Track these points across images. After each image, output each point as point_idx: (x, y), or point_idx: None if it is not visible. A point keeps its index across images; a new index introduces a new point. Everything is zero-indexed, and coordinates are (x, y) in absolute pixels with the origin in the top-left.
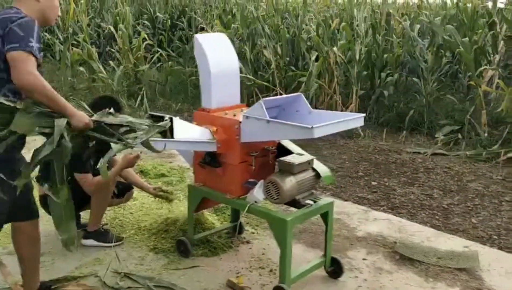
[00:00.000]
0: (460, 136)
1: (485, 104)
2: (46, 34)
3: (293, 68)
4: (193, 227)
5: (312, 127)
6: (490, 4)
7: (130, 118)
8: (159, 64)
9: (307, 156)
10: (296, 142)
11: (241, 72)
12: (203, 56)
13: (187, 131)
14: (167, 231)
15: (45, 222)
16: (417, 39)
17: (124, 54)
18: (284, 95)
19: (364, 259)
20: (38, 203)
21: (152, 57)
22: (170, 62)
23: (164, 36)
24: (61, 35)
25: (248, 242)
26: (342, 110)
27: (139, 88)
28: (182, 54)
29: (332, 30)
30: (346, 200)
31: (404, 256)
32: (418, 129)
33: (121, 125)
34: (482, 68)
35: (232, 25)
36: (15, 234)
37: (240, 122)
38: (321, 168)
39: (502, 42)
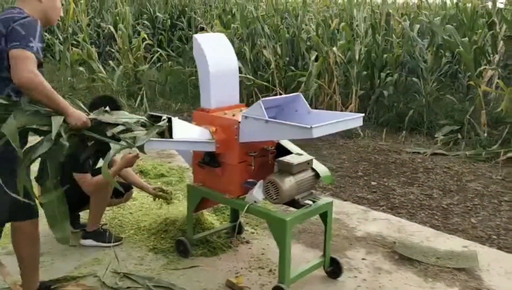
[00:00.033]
0: (459, 136)
1: (484, 104)
2: (46, 34)
3: (292, 68)
4: (192, 227)
5: (311, 127)
6: (489, 4)
7: (127, 114)
8: (159, 64)
9: (306, 156)
10: (295, 142)
11: (240, 72)
12: (202, 56)
13: (186, 131)
14: (167, 231)
15: (45, 222)
16: (416, 39)
17: (123, 54)
18: (283, 95)
19: (363, 259)
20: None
21: (151, 57)
22: (169, 62)
23: (164, 36)
24: (61, 35)
25: (247, 242)
26: (341, 110)
27: (138, 88)
28: (182, 54)
29: (331, 30)
30: (345, 200)
31: (403, 256)
32: (417, 129)
33: (117, 124)
34: (482, 68)
35: (232, 25)
36: (14, 233)
37: (239, 122)
38: (320, 168)
39: (501, 42)
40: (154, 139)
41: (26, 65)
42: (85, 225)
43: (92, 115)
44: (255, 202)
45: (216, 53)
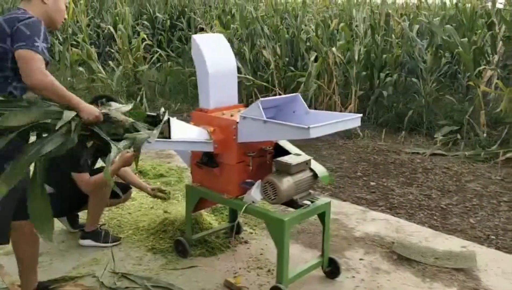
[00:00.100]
0: (459, 136)
1: (484, 104)
2: None
3: (292, 68)
4: (191, 227)
5: (309, 128)
6: (489, 4)
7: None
8: (159, 64)
9: (304, 157)
10: (295, 142)
11: (240, 72)
12: (201, 57)
13: (184, 131)
14: (165, 231)
15: None
16: (416, 40)
17: (123, 54)
18: (282, 96)
19: (361, 259)
20: None
21: (151, 58)
22: (169, 62)
23: (164, 36)
24: (60, 35)
25: (246, 242)
26: (341, 111)
27: (138, 88)
28: (182, 54)
29: (331, 30)
30: (344, 200)
31: (401, 256)
32: (417, 130)
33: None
34: (481, 68)
35: (232, 25)
36: (14, 233)
37: (237, 122)
38: (319, 168)
39: (501, 42)
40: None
41: (35, 66)
42: (84, 225)
43: (104, 110)
44: (253, 202)
45: (214, 53)
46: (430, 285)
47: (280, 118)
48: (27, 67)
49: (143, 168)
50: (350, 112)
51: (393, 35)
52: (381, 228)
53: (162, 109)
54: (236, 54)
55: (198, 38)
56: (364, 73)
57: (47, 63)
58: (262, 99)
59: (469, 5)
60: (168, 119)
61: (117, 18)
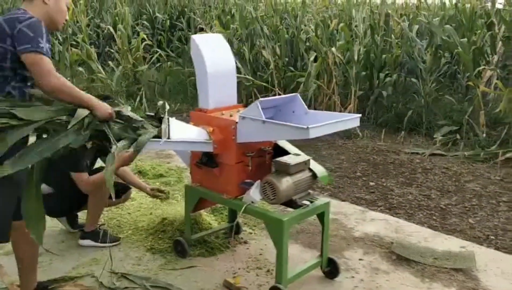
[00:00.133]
0: (458, 136)
1: (483, 104)
2: None
3: (291, 68)
4: (190, 228)
5: (308, 128)
6: (488, 5)
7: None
8: (158, 64)
9: (303, 157)
10: (295, 142)
11: (240, 72)
12: (200, 57)
13: (183, 131)
14: (165, 231)
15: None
16: (415, 40)
17: (123, 55)
18: (281, 96)
19: (360, 259)
20: None
21: (151, 58)
22: (169, 63)
23: (163, 36)
24: (60, 35)
25: (245, 242)
26: (340, 111)
27: (138, 88)
28: (181, 54)
29: (330, 30)
30: (343, 201)
31: (400, 257)
32: (416, 130)
33: (137, 120)
34: (481, 68)
35: (231, 25)
36: (14, 233)
37: (237, 122)
38: (318, 168)
39: (500, 42)
40: (152, 139)
41: (46, 69)
42: (83, 226)
43: (116, 108)
44: (252, 202)
45: (214, 53)
46: (429, 285)
47: (279, 118)
48: (39, 72)
49: (143, 168)
50: (349, 112)
51: (392, 35)
52: (380, 228)
53: (160, 102)
54: (235, 54)
55: (197, 38)
56: (363, 73)
57: None
58: (261, 99)
59: (469, 5)
60: (163, 103)
61: (116, 18)
